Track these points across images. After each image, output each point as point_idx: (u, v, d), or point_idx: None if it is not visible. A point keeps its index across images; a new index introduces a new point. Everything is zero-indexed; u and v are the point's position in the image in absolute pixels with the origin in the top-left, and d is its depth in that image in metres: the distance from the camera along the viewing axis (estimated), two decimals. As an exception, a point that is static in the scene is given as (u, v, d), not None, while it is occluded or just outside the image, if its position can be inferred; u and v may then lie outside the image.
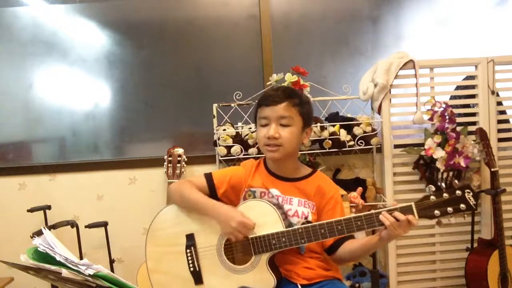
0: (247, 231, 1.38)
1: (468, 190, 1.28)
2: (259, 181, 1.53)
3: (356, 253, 1.45)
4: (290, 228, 1.37)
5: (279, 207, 1.44)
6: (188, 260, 1.46)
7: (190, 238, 1.47)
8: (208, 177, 1.54)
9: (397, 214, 1.28)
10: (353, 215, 1.34)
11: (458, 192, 1.28)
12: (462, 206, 1.27)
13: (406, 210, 1.29)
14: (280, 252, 1.41)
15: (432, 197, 1.29)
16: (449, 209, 1.27)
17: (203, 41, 2.49)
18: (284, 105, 1.45)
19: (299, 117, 1.47)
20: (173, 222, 1.51)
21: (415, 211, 1.29)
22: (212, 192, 1.52)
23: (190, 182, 1.53)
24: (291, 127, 1.46)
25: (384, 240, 1.34)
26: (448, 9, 2.58)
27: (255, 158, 1.64)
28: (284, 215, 1.44)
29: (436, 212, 1.28)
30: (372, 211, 1.32)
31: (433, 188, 1.32)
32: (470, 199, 1.27)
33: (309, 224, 1.37)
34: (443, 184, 1.32)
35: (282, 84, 2.13)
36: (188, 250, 1.47)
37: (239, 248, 1.45)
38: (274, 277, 1.37)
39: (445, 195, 1.28)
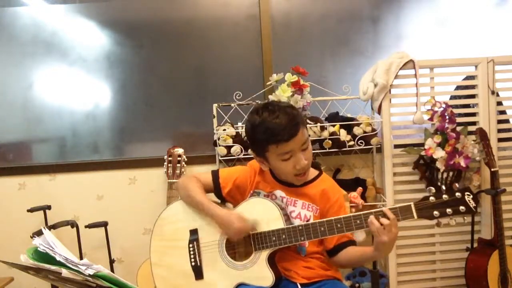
0: (244, 234, 1.40)
1: (468, 193, 1.28)
2: (264, 184, 1.53)
3: (352, 260, 1.47)
4: (290, 226, 1.38)
5: (282, 208, 1.44)
6: (190, 255, 1.47)
7: (194, 233, 1.48)
8: (215, 175, 1.56)
9: (383, 219, 1.27)
10: (352, 213, 1.35)
11: (458, 194, 1.28)
12: (462, 208, 1.27)
13: (405, 210, 1.30)
14: (281, 251, 1.42)
15: (431, 198, 1.29)
16: (448, 210, 1.28)
17: (203, 41, 2.49)
18: (301, 131, 1.36)
19: (307, 133, 1.44)
20: (179, 217, 1.52)
21: (414, 211, 1.29)
22: (217, 190, 1.54)
23: (197, 178, 1.54)
24: (309, 146, 1.43)
25: (378, 250, 1.31)
26: (448, 9, 2.58)
27: None
28: (287, 216, 1.45)
29: (435, 213, 1.28)
30: (372, 210, 1.33)
31: (433, 189, 1.32)
32: (470, 202, 1.28)
33: (309, 222, 1.38)
34: (443, 186, 1.32)
35: (283, 84, 2.12)
36: (190, 245, 1.47)
37: (241, 244, 1.46)
38: (273, 274, 1.37)
39: (445, 196, 1.29)
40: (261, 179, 1.54)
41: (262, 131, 1.36)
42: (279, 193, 1.50)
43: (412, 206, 1.30)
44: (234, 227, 1.38)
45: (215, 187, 1.54)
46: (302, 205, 1.49)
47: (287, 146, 1.35)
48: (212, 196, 1.55)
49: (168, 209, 1.55)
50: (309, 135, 1.50)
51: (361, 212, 1.33)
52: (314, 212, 1.48)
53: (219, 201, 1.56)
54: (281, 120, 1.34)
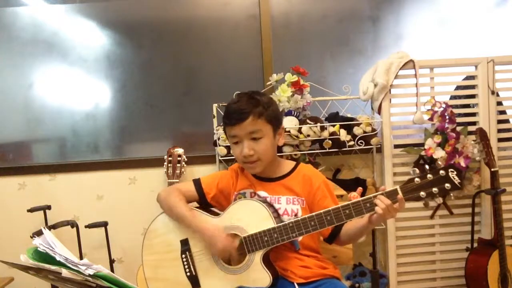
0: (228, 254, 1.41)
1: (452, 170, 1.27)
2: (246, 184, 1.54)
3: (351, 235, 1.47)
4: (281, 224, 1.38)
5: (269, 205, 1.44)
6: (184, 265, 1.47)
7: (185, 243, 1.48)
8: (197, 182, 1.56)
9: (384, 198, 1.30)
10: (341, 204, 1.34)
11: (441, 172, 1.27)
12: (447, 185, 1.27)
13: (391, 194, 1.29)
14: (275, 250, 1.42)
15: (416, 179, 1.29)
16: (434, 189, 1.27)
17: (203, 41, 2.49)
18: (249, 120, 1.41)
19: (267, 126, 1.45)
20: (167, 228, 1.52)
21: (400, 194, 1.29)
22: (201, 197, 1.54)
23: (179, 190, 1.53)
24: (263, 139, 1.44)
25: (373, 224, 1.36)
26: (448, 9, 2.58)
27: None
28: (276, 213, 1.44)
29: (422, 193, 1.28)
30: (359, 198, 1.33)
31: (417, 170, 1.32)
32: (455, 178, 1.27)
33: (299, 218, 1.37)
34: (427, 166, 1.32)
35: (283, 84, 2.12)
36: (183, 255, 1.47)
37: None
38: (270, 274, 1.37)
39: (429, 176, 1.28)
40: (242, 178, 1.55)
41: (224, 113, 1.49)
42: (262, 193, 1.51)
43: (399, 189, 1.29)
44: (218, 247, 1.39)
45: (199, 195, 1.54)
46: (286, 200, 1.49)
47: (232, 130, 1.44)
48: (195, 205, 1.55)
49: (155, 221, 1.54)
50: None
51: (349, 202, 1.33)
52: (301, 204, 1.48)
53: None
54: (236, 106, 1.44)
